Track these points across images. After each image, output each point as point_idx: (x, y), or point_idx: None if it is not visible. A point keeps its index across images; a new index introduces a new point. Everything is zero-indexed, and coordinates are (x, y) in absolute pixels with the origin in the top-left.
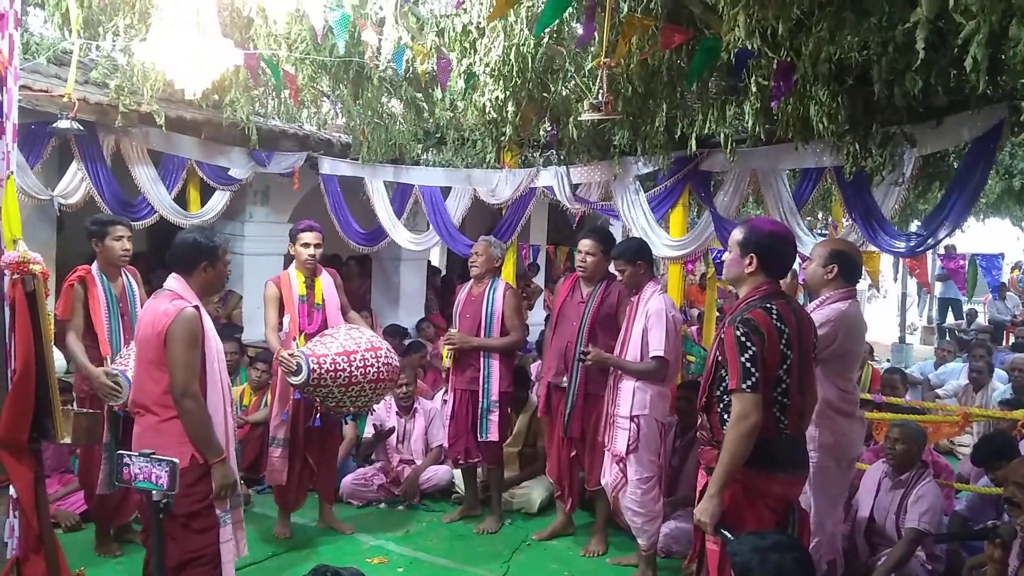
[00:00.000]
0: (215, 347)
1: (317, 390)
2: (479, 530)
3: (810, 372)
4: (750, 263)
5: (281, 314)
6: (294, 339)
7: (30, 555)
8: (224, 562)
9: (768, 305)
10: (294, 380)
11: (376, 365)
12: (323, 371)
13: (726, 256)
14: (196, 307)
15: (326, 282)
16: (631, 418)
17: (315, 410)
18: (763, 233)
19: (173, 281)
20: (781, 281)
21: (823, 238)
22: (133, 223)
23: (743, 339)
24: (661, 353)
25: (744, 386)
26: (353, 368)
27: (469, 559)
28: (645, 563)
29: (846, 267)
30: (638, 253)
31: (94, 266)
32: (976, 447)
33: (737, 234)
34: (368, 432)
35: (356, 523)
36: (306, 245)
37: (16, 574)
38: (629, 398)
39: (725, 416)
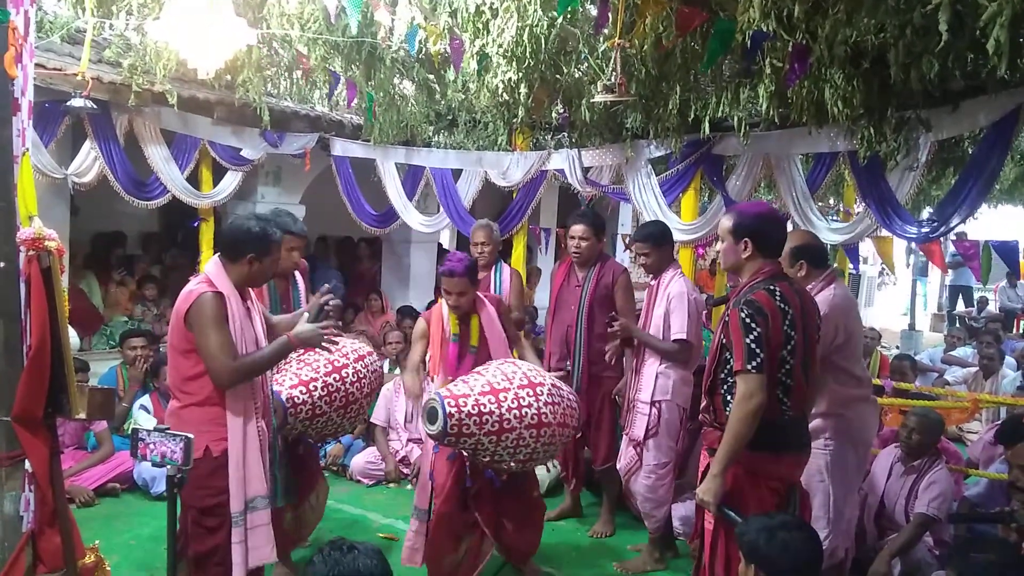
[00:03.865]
0: (244, 339)
1: (461, 440)
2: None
3: (814, 354)
4: (745, 248)
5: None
6: (431, 380)
7: (45, 529)
8: (235, 564)
9: (772, 287)
10: (430, 430)
11: (535, 405)
12: (464, 416)
13: (719, 245)
14: (219, 293)
15: (486, 318)
16: (652, 403)
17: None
18: (751, 216)
19: (211, 265)
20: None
21: (836, 222)
22: (146, 202)
23: (748, 320)
24: (683, 336)
25: (749, 367)
26: (503, 410)
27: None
28: (652, 544)
29: (812, 258)
30: (662, 237)
31: None
32: (1003, 425)
33: (726, 222)
34: (378, 409)
35: (366, 502)
36: (447, 292)
37: (31, 547)
38: (651, 383)
39: (728, 398)
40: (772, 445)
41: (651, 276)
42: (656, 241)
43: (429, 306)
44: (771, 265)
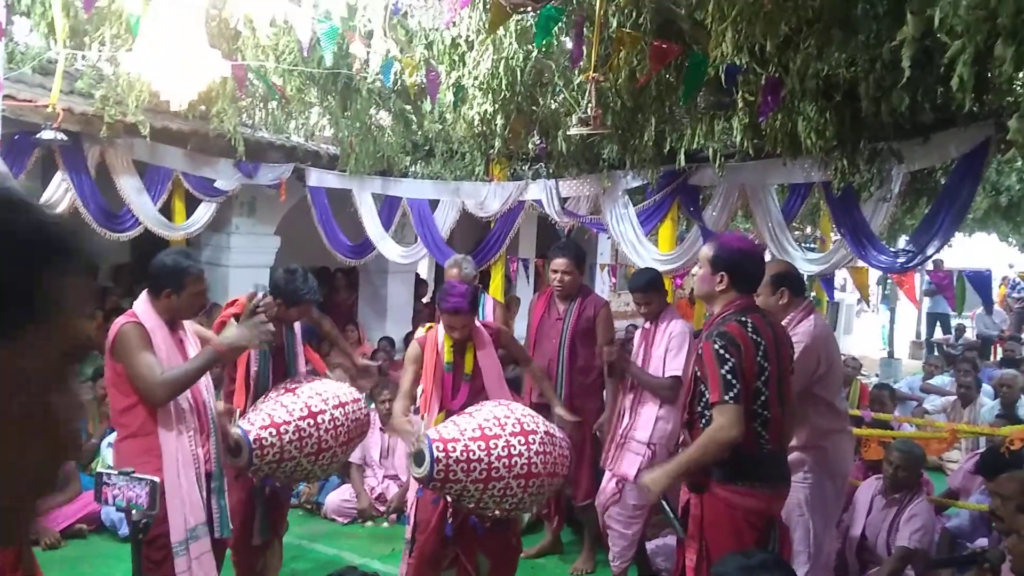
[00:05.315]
0: (171, 367)
1: (447, 486)
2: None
3: (788, 385)
4: (721, 280)
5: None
6: (421, 418)
7: (7, 573)
8: None
9: (743, 318)
10: (416, 473)
11: (525, 454)
12: (452, 462)
13: (696, 271)
14: (140, 323)
15: (480, 346)
16: (648, 444)
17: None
18: (733, 251)
19: (139, 301)
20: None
21: (812, 252)
22: (118, 235)
23: (721, 351)
24: (679, 373)
25: (726, 397)
26: (492, 458)
27: None
28: None
29: (793, 286)
30: (656, 284)
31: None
32: (983, 456)
33: (707, 251)
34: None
35: (342, 541)
36: (450, 328)
37: None
38: (650, 425)
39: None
40: (752, 479)
41: (647, 321)
42: (655, 289)
43: (406, 337)
44: (744, 299)
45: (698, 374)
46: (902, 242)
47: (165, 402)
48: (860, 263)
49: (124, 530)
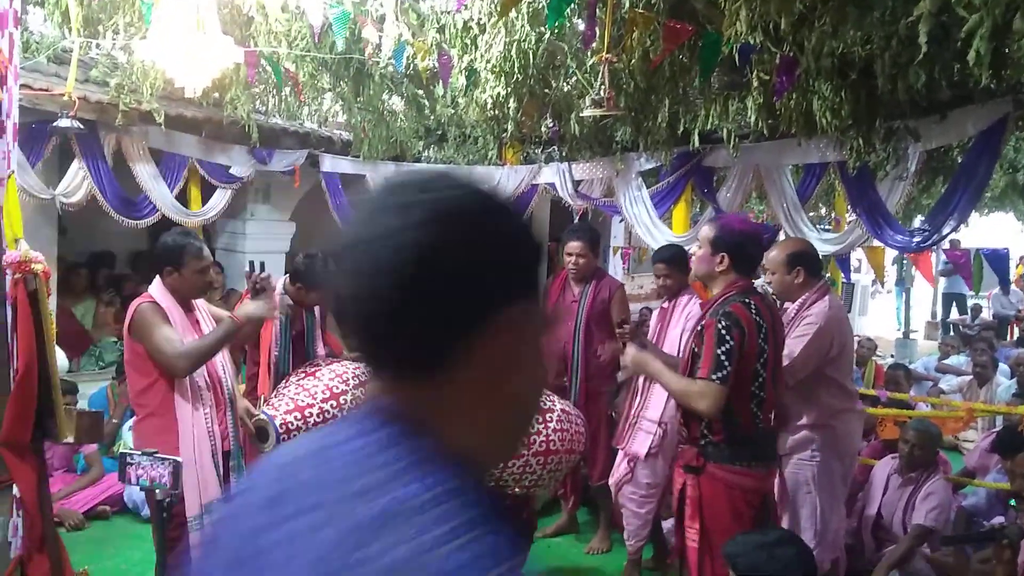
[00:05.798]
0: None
1: None
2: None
3: (780, 366)
4: (721, 261)
5: None
6: None
7: (34, 554)
8: None
9: (747, 300)
10: None
11: (544, 432)
12: None
13: (696, 250)
14: (155, 302)
15: None
16: (659, 423)
17: None
18: (735, 232)
19: (153, 284)
20: None
21: (827, 233)
22: (136, 221)
23: (724, 332)
24: None
25: (714, 377)
26: None
27: None
28: (631, 566)
29: (809, 266)
30: (680, 259)
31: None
32: (1000, 435)
33: (708, 232)
34: None
35: None
36: None
37: (20, 573)
38: (661, 403)
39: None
40: (748, 459)
41: (665, 299)
42: (677, 263)
43: None
44: (744, 280)
45: (695, 350)
46: (917, 222)
47: (187, 374)
48: (876, 243)
49: (146, 511)
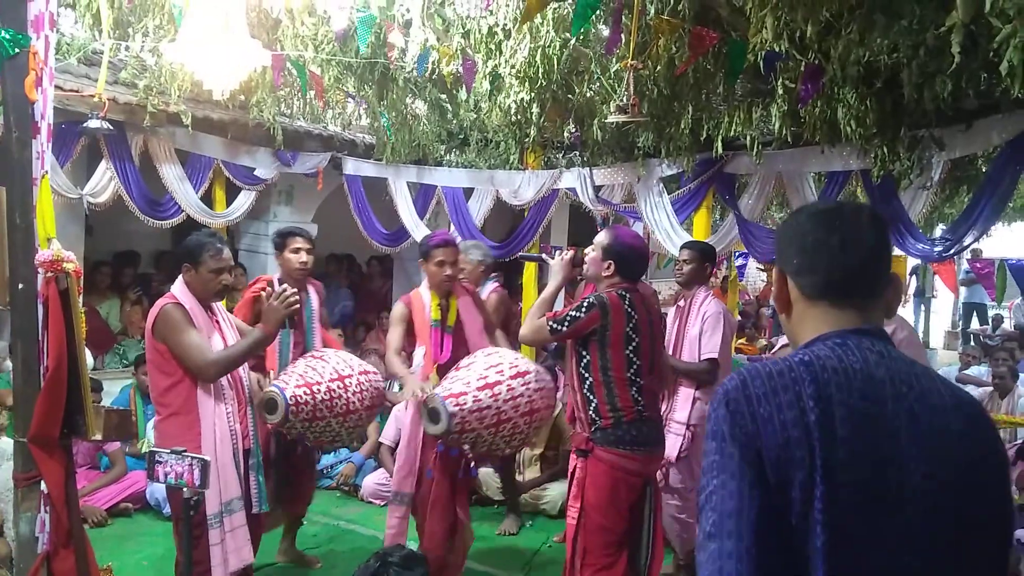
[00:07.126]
0: (211, 347)
1: (464, 436)
2: (500, 531)
3: (660, 357)
4: (609, 267)
5: (412, 344)
6: (427, 377)
7: (60, 550)
8: (214, 564)
9: (623, 293)
10: (434, 430)
11: (526, 394)
12: (466, 414)
13: (590, 252)
14: (179, 303)
15: (463, 301)
16: (688, 425)
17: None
18: (623, 244)
19: (176, 283)
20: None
21: None
22: (161, 222)
23: (583, 304)
24: (715, 355)
25: (552, 323)
26: (500, 403)
27: (490, 561)
28: (686, 572)
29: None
30: (707, 251)
31: (275, 277)
32: (1021, 447)
33: (602, 238)
34: (388, 427)
35: (377, 523)
36: (440, 264)
37: (47, 568)
38: (688, 406)
39: (590, 396)
40: (631, 444)
41: (680, 297)
42: (702, 253)
43: None
44: (627, 284)
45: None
46: (939, 231)
47: (215, 380)
48: (897, 252)
49: (167, 509)
